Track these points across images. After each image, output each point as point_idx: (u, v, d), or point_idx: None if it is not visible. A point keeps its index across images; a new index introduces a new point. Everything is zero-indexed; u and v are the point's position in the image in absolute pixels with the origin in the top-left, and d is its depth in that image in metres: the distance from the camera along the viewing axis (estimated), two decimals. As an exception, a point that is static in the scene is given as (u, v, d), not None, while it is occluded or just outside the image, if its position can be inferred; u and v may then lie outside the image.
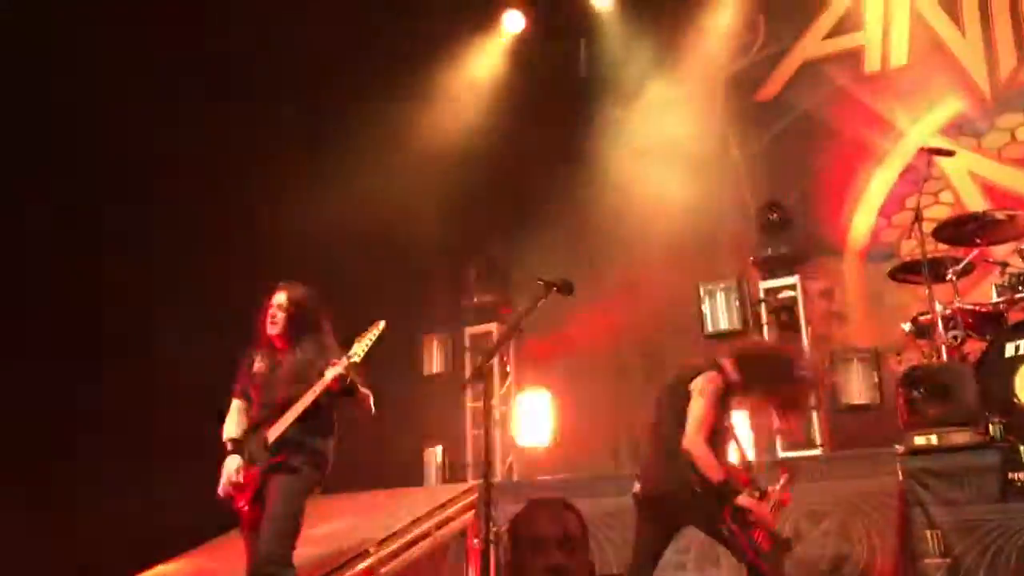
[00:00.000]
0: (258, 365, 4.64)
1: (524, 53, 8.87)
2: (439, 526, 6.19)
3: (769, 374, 4.49)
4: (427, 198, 8.16)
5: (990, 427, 4.95)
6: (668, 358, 7.73)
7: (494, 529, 5.44)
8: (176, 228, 6.98)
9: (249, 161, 7.29)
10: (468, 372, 7.89)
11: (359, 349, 4.43)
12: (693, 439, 4.32)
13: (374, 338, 4.47)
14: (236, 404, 4.69)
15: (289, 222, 7.32)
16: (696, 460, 4.31)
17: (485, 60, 8.89)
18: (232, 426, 4.64)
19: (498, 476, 7.41)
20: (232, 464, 4.46)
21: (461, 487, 6.82)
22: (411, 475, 7.91)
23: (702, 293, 7.08)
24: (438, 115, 8.51)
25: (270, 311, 4.61)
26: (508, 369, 8.05)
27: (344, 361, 4.40)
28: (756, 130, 8.15)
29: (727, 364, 4.46)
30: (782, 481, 4.57)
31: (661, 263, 7.96)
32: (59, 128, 6.54)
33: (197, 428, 5.02)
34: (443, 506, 6.32)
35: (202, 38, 7.00)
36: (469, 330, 8.17)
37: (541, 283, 4.46)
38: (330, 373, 4.37)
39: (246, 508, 4.43)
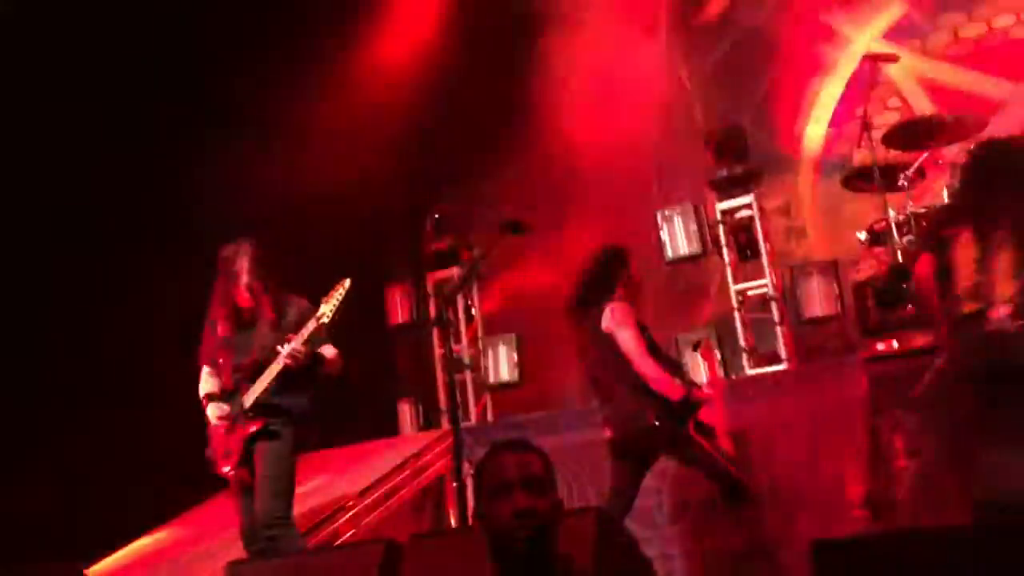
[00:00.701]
0: (222, 329, 4.59)
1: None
2: (416, 474, 6.25)
3: (618, 270, 4.72)
4: (376, 146, 8.03)
5: (949, 327, 5.00)
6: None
7: (469, 473, 5.49)
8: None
9: (189, 114, 7.08)
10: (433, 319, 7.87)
11: (327, 309, 4.36)
12: (644, 363, 4.48)
13: (341, 296, 4.40)
14: (205, 370, 4.68)
15: (238, 178, 7.14)
16: (653, 384, 4.47)
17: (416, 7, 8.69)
18: (206, 386, 4.63)
19: (472, 419, 7.45)
20: (213, 409, 4.48)
21: (435, 433, 6.86)
22: (386, 426, 7.91)
23: (660, 220, 7.05)
24: (382, 57, 8.33)
25: (241, 280, 4.52)
26: (474, 312, 8.02)
27: (312, 324, 4.35)
28: (703, 51, 8.07)
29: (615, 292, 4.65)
30: (707, 368, 4.68)
31: (617, 193, 7.93)
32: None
33: (165, 398, 4.98)
34: (419, 454, 6.37)
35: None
36: (431, 276, 8.12)
37: (496, 223, 4.45)
38: (298, 340, 4.33)
39: (232, 473, 4.43)
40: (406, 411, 8.07)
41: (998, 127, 5.92)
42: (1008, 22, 6.91)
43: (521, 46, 8.23)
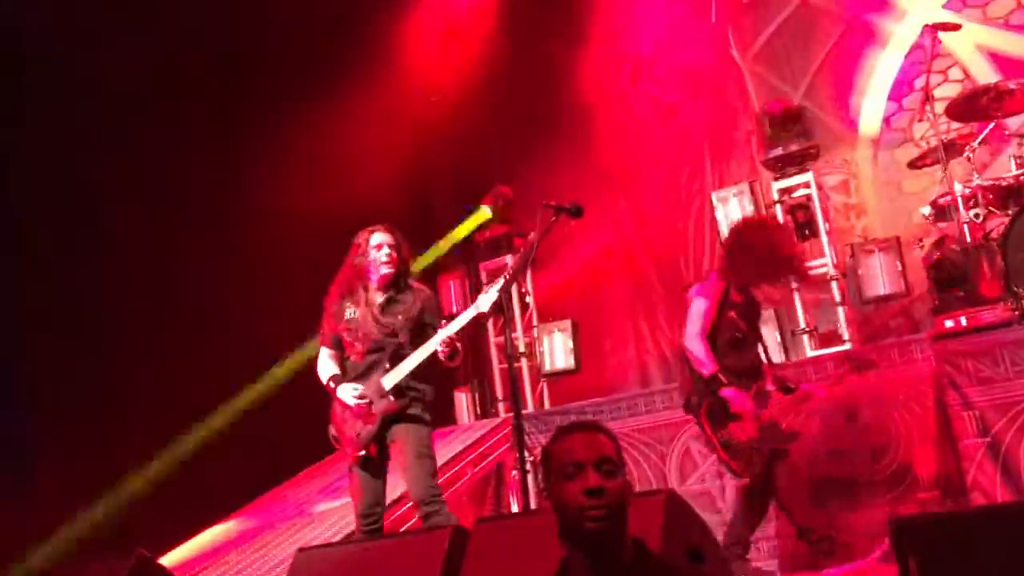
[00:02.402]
0: (351, 310, 4.56)
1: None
2: (476, 463, 6.26)
3: (747, 250, 4.64)
4: (426, 135, 8.04)
5: (1019, 301, 4.87)
6: (684, 270, 7.68)
7: (530, 459, 5.49)
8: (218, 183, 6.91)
9: (261, 115, 7.18)
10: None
11: (485, 300, 4.36)
12: (687, 334, 4.57)
13: (499, 288, 4.37)
14: (326, 352, 4.65)
15: (288, 172, 7.22)
16: (688, 355, 4.56)
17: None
18: (329, 369, 4.61)
19: (529, 407, 7.43)
20: (348, 389, 4.44)
21: (494, 422, 6.87)
22: (444, 416, 7.93)
23: (715, 201, 6.95)
24: (428, 49, 8.32)
25: (383, 251, 4.52)
26: (528, 300, 8.00)
27: (471, 312, 4.35)
28: (755, 27, 7.92)
29: (720, 264, 4.75)
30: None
31: (671, 174, 7.85)
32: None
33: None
34: (477, 443, 6.38)
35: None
36: (484, 265, 8.11)
37: (549, 208, 4.39)
38: (454, 327, 4.34)
39: (363, 453, 4.43)
40: (463, 400, 8.09)
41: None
42: (1075, -15, 6.66)
43: (569, 30, 8.16)
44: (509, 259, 7.86)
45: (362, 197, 7.28)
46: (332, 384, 4.53)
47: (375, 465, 4.47)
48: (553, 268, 8.05)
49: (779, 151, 6.79)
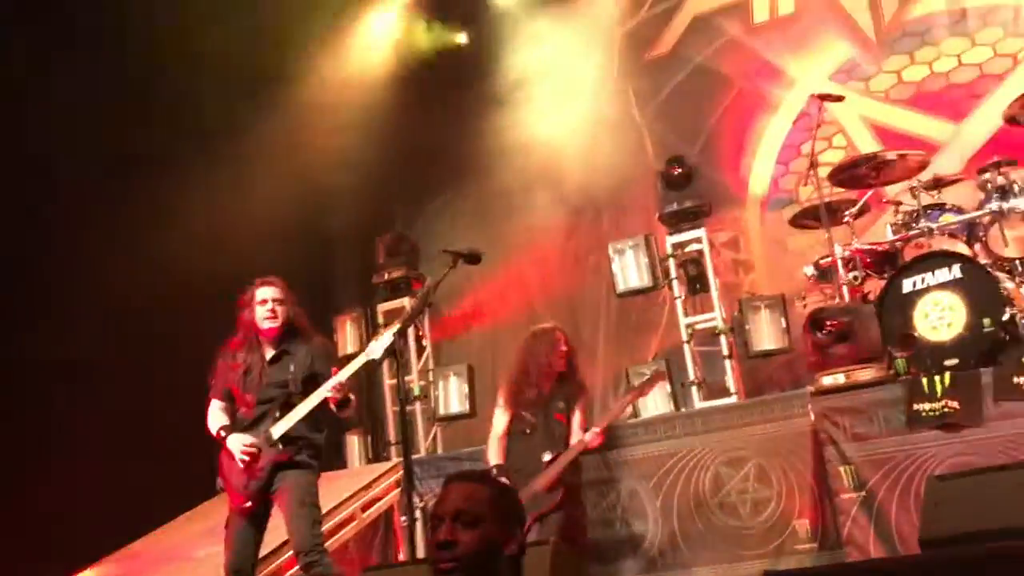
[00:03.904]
0: (243, 361, 4.57)
1: (412, 27, 8.74)
2: (365, 507, 6.15)
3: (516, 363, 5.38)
4: (328, 178, 7.97)
5: (894, 362, 5.10)
6: (581, 320, 7.80)
7: (419, 505, 5.43)
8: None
9: (144, 158, 6.97)
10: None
11: (377, 347, 4.34)
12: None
13: (392, 336, 4.36)
14: (216, 404, 4.62)
15: (196, 209, 7.03)
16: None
17: (372, 39, 8.71)
18: (219, 420, 4.56)
19: (422, 451, 7.36)
20: (238, 440, 4.39)
21: (385, 466, 6.77)
22: (334, 459, 7.78)
23: (611, 252, 7.10)
24: (331, 91, 8.28)
25: (266, 306, 4.53)
26: (424, 343, 7.97)
27: (362, 359, 4.35)
28: (654, 86, 8.19)
29: None
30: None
31: (569, 225, 7.99)
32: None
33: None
34: (368, 487, 6.28)
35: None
36: (381, 307, 8.06)
37: (448, 254, 4.44)
38: (344, 373, 4.35)
39: (249, 506, 4.37)
40: (355, 443, 7.96)
41: (939, 167, 6.12)
42: (950, 66, 7.12)
43: (474, 83, 8.28)
44: (407, 302, 7.82)
45: (260, 255, 7.15)
46: (223, 433, 4.48)
47: (257, 519, 4.44)
48: (453, 312, 8.06)
49: (674, 207, 7.00)
